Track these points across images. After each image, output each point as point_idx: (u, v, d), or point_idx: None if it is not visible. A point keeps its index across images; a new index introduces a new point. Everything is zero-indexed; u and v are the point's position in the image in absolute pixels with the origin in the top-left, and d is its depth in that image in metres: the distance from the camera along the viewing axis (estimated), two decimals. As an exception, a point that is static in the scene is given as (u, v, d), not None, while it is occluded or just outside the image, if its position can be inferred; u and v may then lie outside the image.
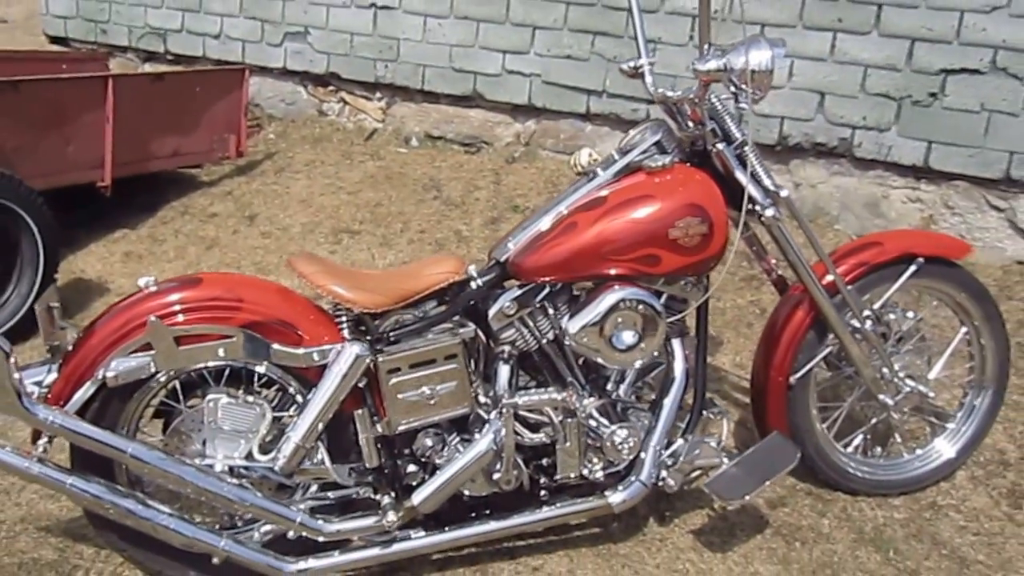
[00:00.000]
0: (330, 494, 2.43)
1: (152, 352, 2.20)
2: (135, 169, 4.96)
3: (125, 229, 4.98)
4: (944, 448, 2.93)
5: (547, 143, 5.66)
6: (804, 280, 2.60)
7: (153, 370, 2.21)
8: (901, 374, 2.76)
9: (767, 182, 2.52)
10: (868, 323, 2.68)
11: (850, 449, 2.89)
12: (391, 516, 2.33)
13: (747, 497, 2.39)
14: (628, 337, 2.37)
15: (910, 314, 2.79)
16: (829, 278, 2.62)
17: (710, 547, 2.63)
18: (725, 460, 2.49)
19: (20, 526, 2.64)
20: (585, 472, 2.48)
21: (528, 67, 5.53)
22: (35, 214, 3.87)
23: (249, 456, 2.33)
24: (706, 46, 2.44)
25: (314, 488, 2.43)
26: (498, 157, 5.67)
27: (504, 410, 2.34)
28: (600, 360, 2.41)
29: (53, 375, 2.26)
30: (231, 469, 2.31)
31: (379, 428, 2.35)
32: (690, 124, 2.53)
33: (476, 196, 5.19)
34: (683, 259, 2.40)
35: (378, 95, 6.17)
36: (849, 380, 2.86)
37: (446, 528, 2.42)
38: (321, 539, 2.34)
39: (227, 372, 2.34)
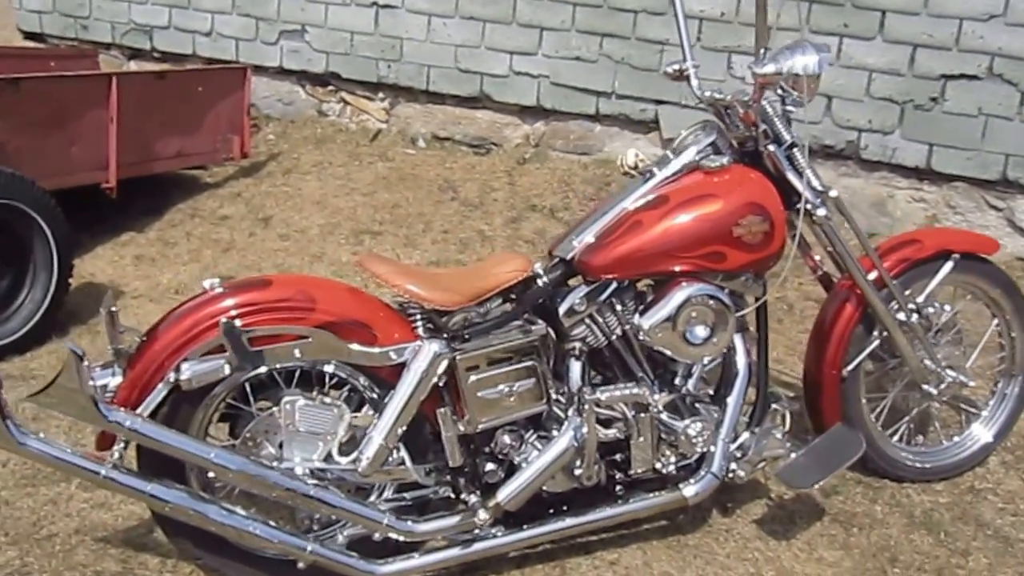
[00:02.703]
0: (406, 495, 2.50)
1: (225, 354, 2.23)
2: (140, 170, 4.99)
3: (132, 232, 5.01)
4: (981, 433, 3.14)
5: (557, 144, 5.80)
6: (854, 275, 2.77)
7: (227, 372, 2.25)
8: (943, 365, 2.95)
9: (816, 183, 2.70)
10: (913, 316, 2.87)
11: (895, 438, 3.09)
12: (483, 515, 2.41)
13: (817, 485, 2.56)
14: (701, 331, 2.52)
15: (947, 307, 2.99)
16: (875, 274, 2.80)
17: (774, 535, 2.80)
18: (792, 450, 2.66)
19: (76, 538, 2.65)
20: (658, 466, 2.62)
21: (536, 68, 5.67)
22: (48, 217, 3.86)
23: (328, 458, 2.38)
24: (762, 50, 2.61)
25: (389, 489, 2.50)
26: (508, 158, 5.81)
27: (586, 406, 2.46)
28: (674, 355, 2.55)
29: (118, 379, 2.26)
30: (311, 472, 2.37)
31: (460, 427, 2.43)
32: (739, 125, 2.70)
33: (493, 197, 5.32)
34: (747, 256, 2.56)
35: (380, 95, 6.26)
36: (892, 372, 3.05)
37: (524, 526, 2.51)
38: (406, 540, 2.41)
39: (297, 373, 2.40)
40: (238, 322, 2.23)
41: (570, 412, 2.50)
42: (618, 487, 2.62)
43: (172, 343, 2.26)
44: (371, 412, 2.43)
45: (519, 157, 5.84)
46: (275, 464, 2.34)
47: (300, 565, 2.37)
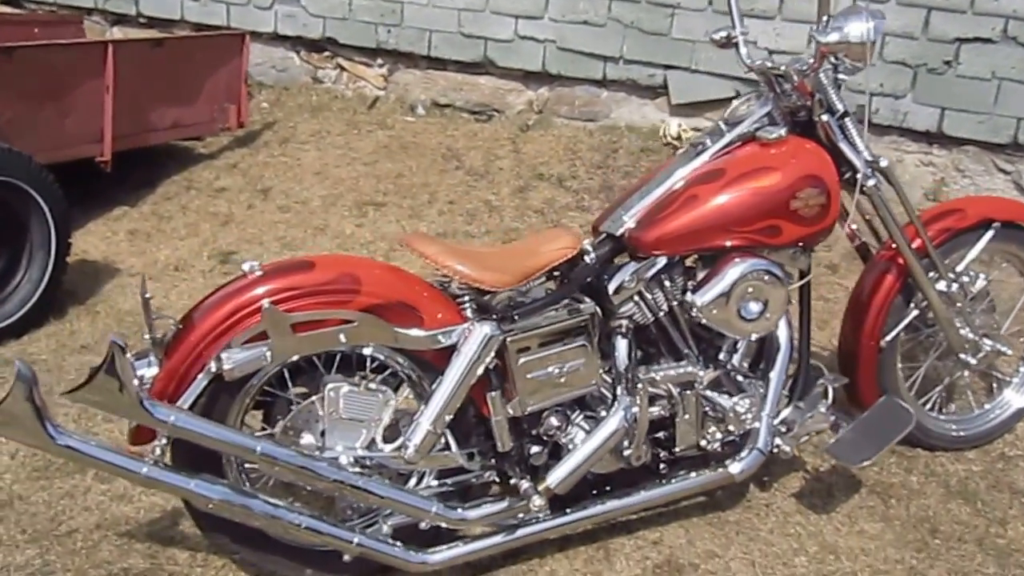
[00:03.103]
0: (447, 481, 2.42)
1: (268, 342, 2.13)
2: (135, 142, 4.82)
3: (124, 207, 4.87)
4: (1013, 399, 3.10)
5: (562, 110, 5.68)
6: (899, 245, 2.70)
7: (268, 360, 2.14)
8: (980, 334, 2.90)
9: (867, 153, 2.62)
10: (953, 286, 2.80)
11: (927, 407, 3.04)
12: (538, 501, 2.33)
13: (870, 461, 2.50)
14: (754, 307, 2.45)
15: (981, 276, 2.93)
16: (918, 242, 2.74)
17: (814, 509, 2.75)
18: (841, 424, 2.60)
19: (98, 533, 2.55)
20: (703, 444, 2.56)
21: (542, 33, 5.54)
22: (45, 193, 3.71)
23: (371, 445, 2.30)
24: (825, 18, 2.51)
25: (430, 476, 2.42)
26: (511, 125, 5.69)
27: (639, 385, 2.39)
28: (726, 331, 2.48)
29: (154, 369, 2.14)
30: (354, 460, 2.28)
31: (509, 410, 2.35)
32: (792, 95, 2.60)
33: (499, 165, 5.21)
34: (802, 230, 2.48)
35: (379, 61, 6.11)
36: (925, 342, 2.99)
37: (570, 509, 2.44)
38: (452, 528, 2.34)
39: (337, 358, 2.31)
40: (280, 307, 2.13)
41: (619, 392, 2.42)
42: (662, 466, 2.56)
43: (211, 331, 2.14)
44: (413, 397, 2.35)
45: (522, 124, 5.72)
46: (317, 453, 2.25)
47: (346, 558, 2.29)
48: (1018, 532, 2.70)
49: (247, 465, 2.32)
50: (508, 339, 2.30)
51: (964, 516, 2.76)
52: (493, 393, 2.32)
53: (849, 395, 2.89)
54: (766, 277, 2.44)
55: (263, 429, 2.34)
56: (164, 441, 2.11)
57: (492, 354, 2.27)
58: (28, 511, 2.62)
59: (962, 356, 2.90)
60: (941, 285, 2.79)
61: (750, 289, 2.43)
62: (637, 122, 5.51)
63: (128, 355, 1.99)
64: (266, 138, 5.62)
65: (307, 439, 2.29)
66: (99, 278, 4.12)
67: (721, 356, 2.61)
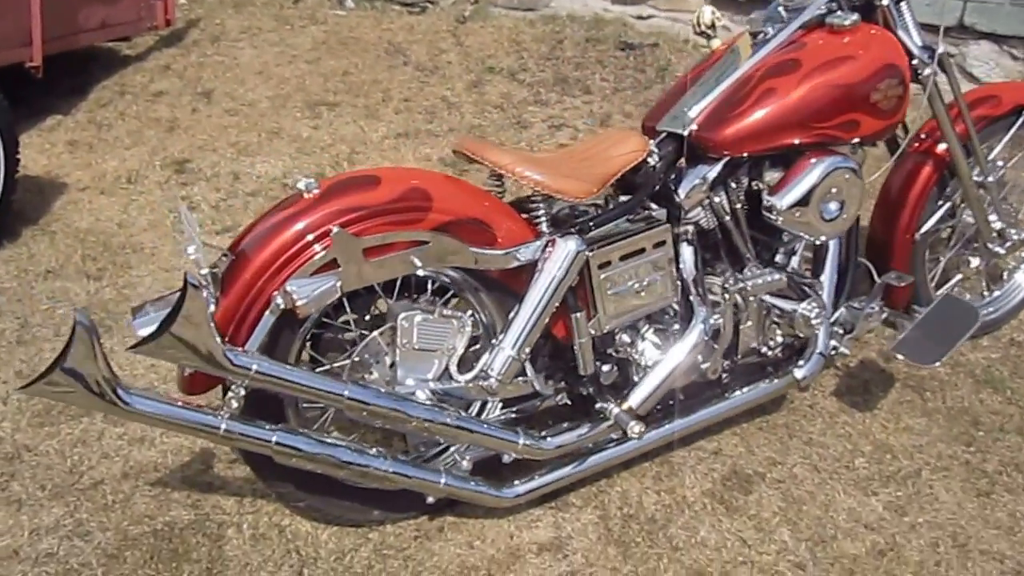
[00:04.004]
0: (513, 409, 2.16)
1: (338, 270, 1.80)
2: (64, 45, 4.23)
3: (57, 115, 4.28)
4: None
5: (499, 0, 5.25)
6: (947, 134, 2.51)
7: (340, 291, 1.82)
8: (1010, 222, 2.78)
9: (924, 39, 2.41)
10: (988, 176, 2.66)
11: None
12: (636, 427, 2.08)
13: (941, 361, 2.36)
14: (834, 207, 2.23)
15: (1000, 163, 2.79)
16: (961, 129, 2.55)
17: (856, 407, 2.62)
18: (901, 323, 2.45)
19: (127, 484, 2.20)
20: (764, 351, 2.38)
21: (483, -82, 5.06)
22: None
23: (444, 377, 2.03)
24: None
25: (496, 406, 2.14)
26: (448, 17, 5.24)
27: (727, 296, 2.16)
28: (804, 233, 2.25)
29: (210, 308, 1.77)
30: (431, 393, 2.01)
31: (590, 330, 2.10)
32: None
33: (446, 59, 4.78)
34: (879, 123, 2.27)
35: (303, -49, 5.51)
36: (945, 233, 2.86)
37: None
38: (537, 459, 2.10)
39: (397, 284, 2.00)
40: (350, 230, 1.80)
41: (695, 303, 2.18)
42: (724, 377, 2.35)
43: (272, 261, 1.79)
44: (480, 321, 2.08)
45: (458, 15, 5.28)
46: (397, 390, 1.97)
47: (429, 500, 2.03)
48: (1050, 417, 2.65)
49: (304, 406, 2.01)
50: (589, 254, 2.03)
51: (997, 405, 2.67)
52: (577, 314, 2.05)
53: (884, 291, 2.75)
54: (847, 175, 2.21)
55: (313, 365, 2.01)
56: (241, 392, 1.78)
57: (578, 271, 2.00)
58: (41, 463, 2.25)
59: (990, 246, 2.78)
60: (976, 174, 2.64)
61: (833, 189, 2.20)
62: (579, 11, 5.15)
63: (205, 292, 1.64)
64: (194, 37, 5.02)
65: (376, 375, 1.99)
66: (46, 195, 3.60)
67: (779, 259, 2.41)
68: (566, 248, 1.98)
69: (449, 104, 4.40)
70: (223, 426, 1.76)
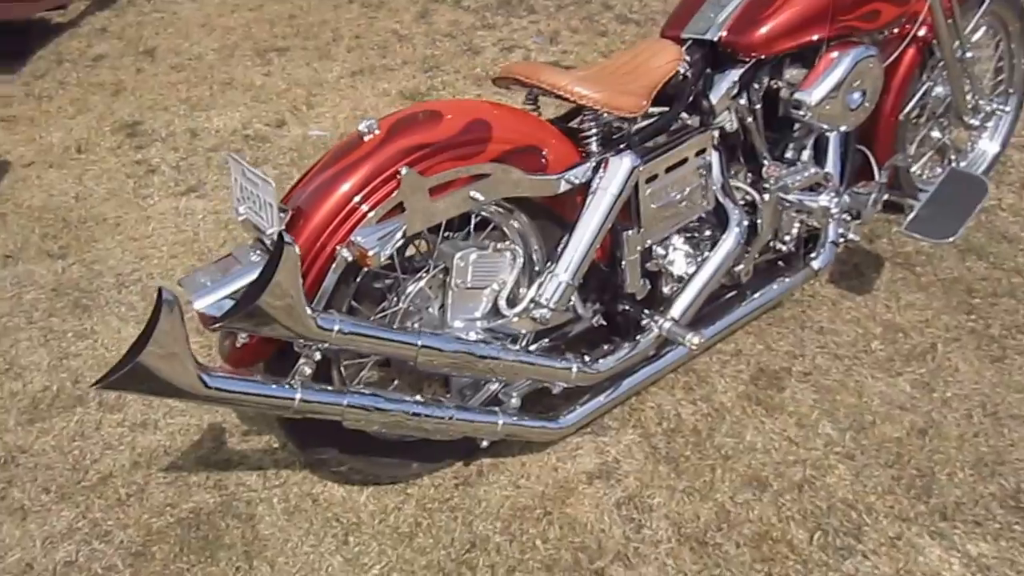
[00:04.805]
0: (550, 336, 1.83)
1: (404, 214, 1.46)
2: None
3: (-10, 92, 3.64)
4: (989, 147, 2.73)
5: (428, -69, 4.66)
6: (936, 17, 2.17)
7: (406, 235, 1.48)
8: (984, 95, 2.48)
9: None
10: (966, 52, 2.34)
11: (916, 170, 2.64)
12: (694, 338, 1.76)
13: (957, 234, 2.06)
14: (857, 96, 1.91)
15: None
16: (947, 6, 2.23)
17: (854, 290, 2.31)
18: (910, 203, 2.14)
19: (140, 474, 1.81)
20: (779, 247, 2.05)
21: None
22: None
23: (491, 313, 1.69)
24: None
25: (531, 334, 1.80)
26: (381, -48, 4.64)
27: (767, 196, 1.84)
28: (831, 125, 1.95)
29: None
30: (484, 331, 1.68)
31: (637, 246, 1.77)
32: None
33: (389, -8, 4.24)
34: (896, 10, 2.01)
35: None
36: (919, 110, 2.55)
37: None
38: (591, 383, 1.78)
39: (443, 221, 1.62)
40: (416, 169, 1.45)
41: (728, 207, 1.85)
42: (744, 277, 2.03)
43: (340, 210, 1.43)
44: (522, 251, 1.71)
45: (391, -50, 4.68)
46: (453, 331, 1.64)
47: (483, 444, 1.70)
48: (1034, 277, 2.39)
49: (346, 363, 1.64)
50: (640, 169, 1.70)
51: (984, 271, 2.40)
52: (627, 231, 1.72)
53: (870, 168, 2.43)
54: (871, 64, 1.92)
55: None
56: (316, 356, 1.45)
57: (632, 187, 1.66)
58: (40, 464, 1.82)
59: (966, 119, 2.47)
60: (958, 51, 2.31)
61: (858, 80, 1.88)
62: (511, -66, 4.61)
63: (296, 249, 1.29)
64: (126, -5, 4.35)
65: (428, 317, 1.64)
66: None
67: (789, 153, 2.06)
68: (621, 165, 1.66)
69: (400, 37, 3.88)
70: (299, 395, 1.42)
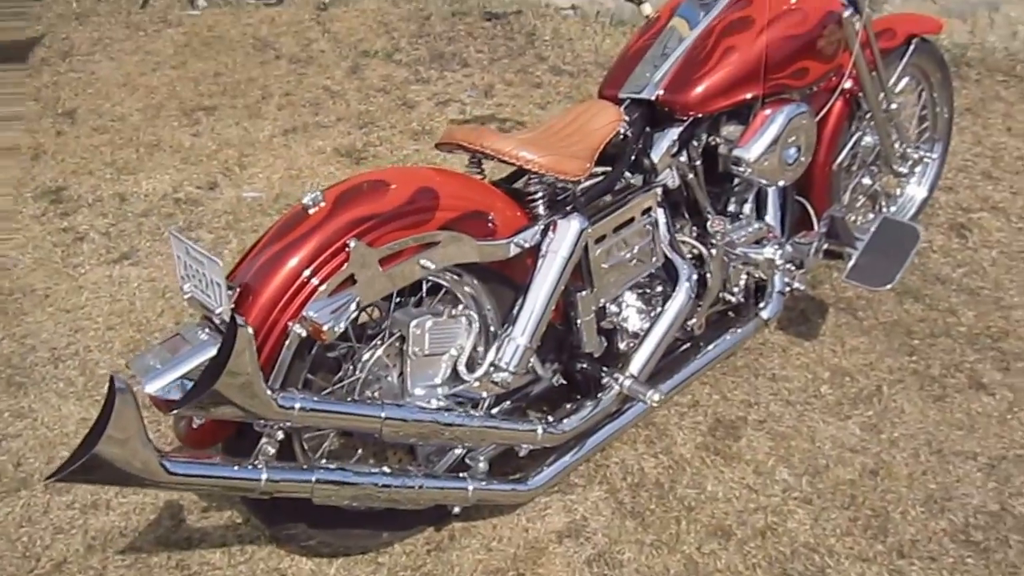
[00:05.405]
0: (512, 398, 1.95)
1: (355, 286, 1.55)
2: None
3: (-102, 161, 3.63)
4: (917, 193, 3.00)
5: (358, -16, 4.87)
6: (861, 69, 2.42)
7: (359, 307, 1.56)
8: (912, 144, 2.75)
9: None
10: (892, 104, 2.60)
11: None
12: (654, 396, 1.91)
13: (895, 280, 2.27)
14: (794, 152, 2.11)
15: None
16: (872, 63, 2.49)
17: (802, 336, 2.51)
18: (848, 252, 2.35)
19: (96, 558, 1.84)
20: (728, 297, 2.24)
21: (331, -99, 4.63)
22: None
23: (451, 379, 1.79)
24: None
25: (493, 397, 1.91)
26: (307, 5, 4.81)
27: (714, 251, 2.01)
28: (769, 181, 2.14)
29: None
30: (444, 398, 1.78)
31: (592, 307, 1.91)
32: None
33: (318, 48, 4.38)
34: (823, 68, 2.21)
35: (141, -47, 4.92)
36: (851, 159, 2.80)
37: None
38: (557, 444, 1.89)
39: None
40: (365, 241, 1.55)
41: (677, 263, 2.02)
42: (696, 331, 2.20)
43: (289, 285, 1.50)
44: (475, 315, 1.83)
45: (318, 3, 4.86)
46: (409, 400, 1.73)
47: (455, 510, 1.79)
48: (968, 318, 2.61)
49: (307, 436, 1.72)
50: (589, 230, 1.84)
51: (921, 313, 2.64)
52: (581, 293, 1.85)
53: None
54: (804, 120, 2.12)
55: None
56: (279, 436, 1.52)
57: (582, 249, 1.80)
58: (-13, 554, 1.84)
59: (895, 167, 2.74)
60: (884, 103, 2.57)
61: (792, 136, 2.08)
62: (440, -13, 4.85)
63: (249, 330, 1.35)
64: (42, 55, 4.39)
65: (387, 385, 1.74)
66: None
67: (732, 207, 2.27)
68: (569, 228, 1.79)
69: (332, 93, 4.02)
70: (264, 476, 1.47)
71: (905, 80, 2.81)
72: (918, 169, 2.99)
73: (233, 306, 1.47)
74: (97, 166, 3.53)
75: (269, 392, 1.42)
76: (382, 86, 4.08)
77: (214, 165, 3.52)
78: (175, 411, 1.41)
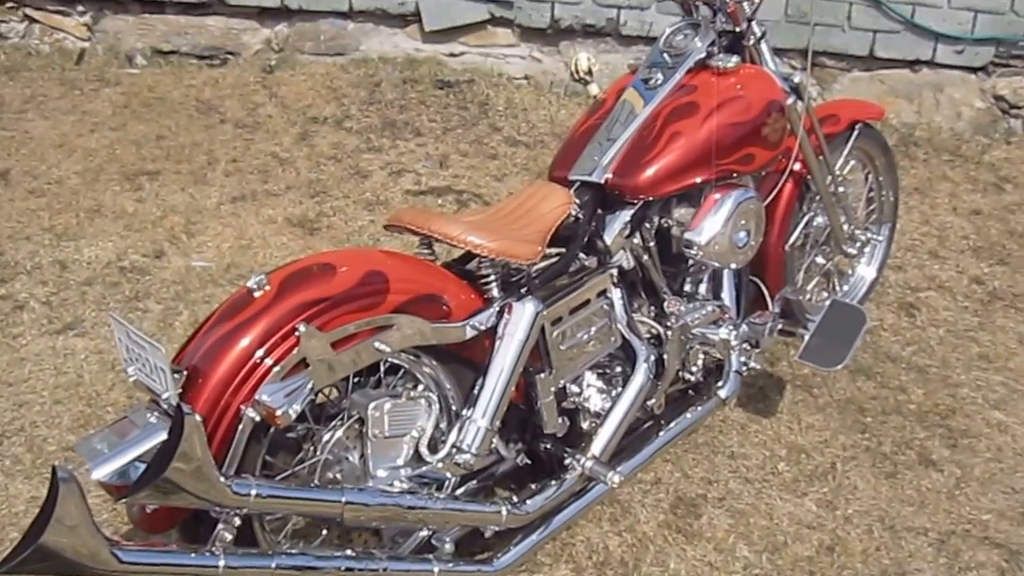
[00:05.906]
0: (476, 478, 2.09)
1: (308, 370, 1.66)
2: None
3: None
4: (867, 273, 3.27)
5: (306, 47, 5.07)
6: (806, 153, 2.66)
7: (313, 390, 1.69)
8: (860, 227, 3.03)
9: (781, 71, 2.58)
10: (840, 187, 2.88)
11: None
12: (614, 477, 2.08)
13: (845, 361, 2.50)
14: (743, 235, 2.33)
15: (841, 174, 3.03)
16: (817, 148, 2.74)
17: (761, 414, 2.73)
18: (800, 332, 2.59)
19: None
20: (687, 376, 2.44)
21: (278, -35, 4.86)
22: None
23: (413, 460, 1.93)
24: None
25: (456, 478, 2.05)
26: (253, 68, 4.99)
27: (670, 332, 2.20)
28: (721, 264, 2.34)
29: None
30: (407, 479, 1.92)
31: (551, 388, 2.07)
32: (723, 21, 2.46)
33: (265, 113, 4.55)
34: (768, 154, 2.42)
35: (79, 8, 5.05)
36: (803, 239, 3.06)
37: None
38: (522, 524, 2.03)
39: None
40: (314, 324, 1.67)
41: (635, 344, 2.20)
42: (655, 410, 2.39)
43: (237, 371, 1.61)
44: (435, 396, 1.98)
45: (264, 65, 5.04)
46: (369, 482, 1.85)
47: None
48: (917, 395, 2.87)
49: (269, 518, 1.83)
50: (544, 312, 2.00)
51: (873, 391, 2.89)
52: (540, 375, 2.01)
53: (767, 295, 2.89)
54: (752, 205, 2.34)
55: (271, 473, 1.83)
56: (236, 522, 1.60)
57: (538, 331, 1.96)
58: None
59: (845, 248, 3.01)
60: (832, 187, 2.85)
61: (742, 220, 2.31)
62: (390, 52, 5.08)
63: (197, 417, 1.44)
64: (-32, 113, 4.47)
65: (348, 467, 1.86)
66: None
67: (687, 287, 2.49)
68: (524, 311, 1.95)
69: (281, 160, 4.18)
70: (222, 563, 1.55)
71: (851, 164, 3.11)
72: (867, 250, 3.27)
73: (180, 391, 1.57)
74: (35, 231, 3.61)
75: (223, 479, 1.51)
76: (333, 154, 4.27)
77: (160, 232, 3.63)
78: (125, 499, 1.48)
